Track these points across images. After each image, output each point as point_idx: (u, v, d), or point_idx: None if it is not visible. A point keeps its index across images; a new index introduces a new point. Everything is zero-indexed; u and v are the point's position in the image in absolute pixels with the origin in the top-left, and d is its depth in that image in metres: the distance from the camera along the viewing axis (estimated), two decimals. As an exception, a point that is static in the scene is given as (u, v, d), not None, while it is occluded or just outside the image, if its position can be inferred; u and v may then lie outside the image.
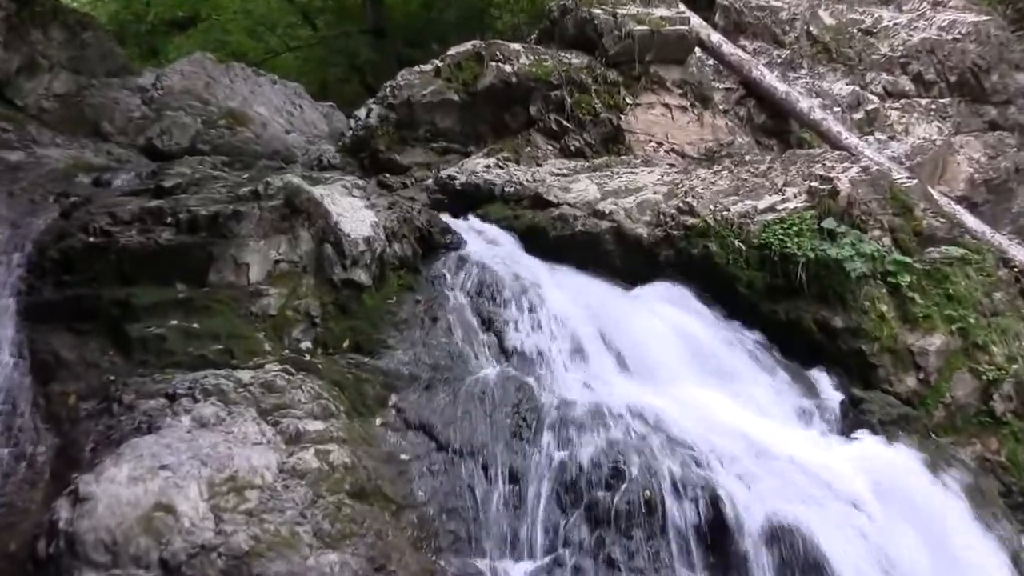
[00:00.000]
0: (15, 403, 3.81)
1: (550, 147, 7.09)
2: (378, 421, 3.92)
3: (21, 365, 3.95)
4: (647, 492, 3.47)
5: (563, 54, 7.49)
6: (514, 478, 3.67)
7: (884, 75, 9.36)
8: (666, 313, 4.87)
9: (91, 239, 4.40)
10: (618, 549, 3.40)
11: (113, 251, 4.35)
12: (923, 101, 9.23)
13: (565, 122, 7.13)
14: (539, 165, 6.68)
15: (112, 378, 3.86)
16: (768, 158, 6.20)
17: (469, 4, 12.85)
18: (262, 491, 3.22)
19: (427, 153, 7.35)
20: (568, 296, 4.83)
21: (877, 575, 3.45)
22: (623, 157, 6.81)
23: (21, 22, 7.46)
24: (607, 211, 5.56)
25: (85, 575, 2.95)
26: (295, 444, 3.46)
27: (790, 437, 4.13)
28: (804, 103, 8.46)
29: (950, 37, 9.39)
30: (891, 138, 8.81)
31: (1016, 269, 6.18)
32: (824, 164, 5.61)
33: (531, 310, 4.66)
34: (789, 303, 4.99)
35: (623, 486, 3.51)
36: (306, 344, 4.31)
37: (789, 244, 5.00)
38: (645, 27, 7.44)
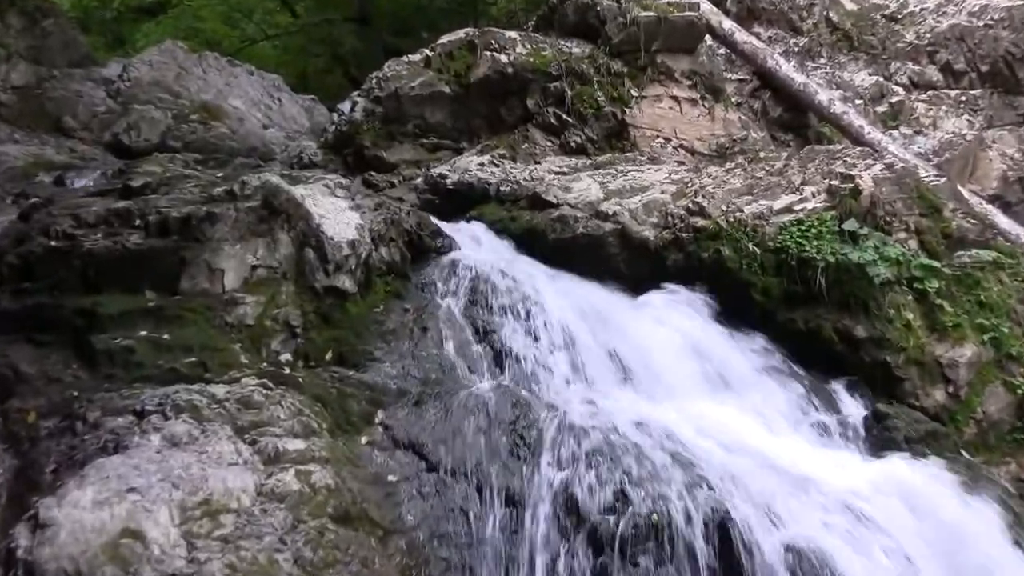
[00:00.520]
0: (-31, 421, 3.80)
1: (549, 143, 7.12)
2: (364, 439, 3.91)
3: (-24, 380, 3.95)
4: (654, 516, 3.48)
5: (563, 43, 7.53)
6: (511, 501, 3.65)
7: (910, 65, 9.41)
8: (674, 322, 4.89)
9: (53, 243, 4.40)
10: (623, 577, 3.40)
11: (77, 256, 4.35)
12: (952, 93, 9.29)
13: (565, 116, 7.16)
14: (537, 163, 6.72)
15: (76, 394, 3.83)
16: (784, 155, 6.22)
17: (462, -11, 12.94)
18: (238, 515, 3.21)
19: (416, 150, 7.38)
20: (569, 303, 4.84)
21: (905, 606, 3.46)
22: (628, 154, 6.84)
23: (-25, 9, 7.51)
24: (611, 212, 5.58)
25: (46, 607, 2.94)
26: (274, 464, 3.46)
27: (809, 455, 4.14)
28: (823, 95, 8.51)
29: (981, 23, 9.43)
30: (917, 132, 8.87)
31: (1053, 274, 6.20)
32: (845, 161, 5.64)
33: (529, 319, 4.68)
34: (807, 311, 5.01)
35: (629, 510, 3.50)
36: (286, 356, 4.31)
37: (807, 247, 5.02)
38: (651, 14, 7.48)
